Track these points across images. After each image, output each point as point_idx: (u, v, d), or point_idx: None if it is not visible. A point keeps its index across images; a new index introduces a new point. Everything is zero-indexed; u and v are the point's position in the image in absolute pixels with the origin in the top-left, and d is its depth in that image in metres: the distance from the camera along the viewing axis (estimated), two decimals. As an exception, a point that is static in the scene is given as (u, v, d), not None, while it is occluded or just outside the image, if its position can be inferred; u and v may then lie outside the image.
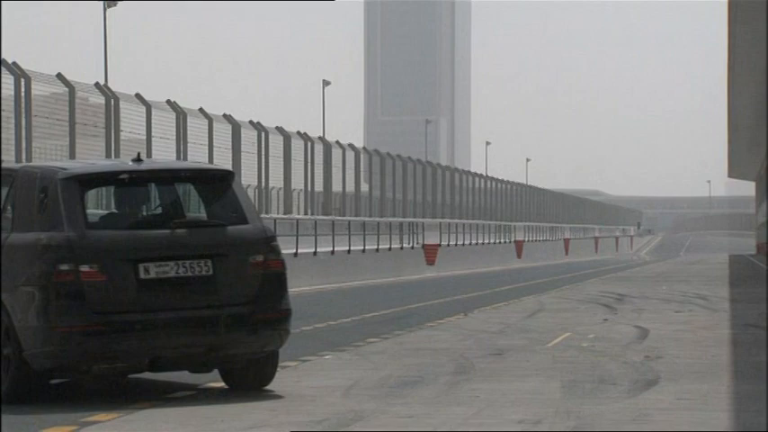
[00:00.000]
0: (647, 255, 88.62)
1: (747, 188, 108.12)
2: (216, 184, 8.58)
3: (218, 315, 8.19)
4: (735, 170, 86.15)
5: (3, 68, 22.71)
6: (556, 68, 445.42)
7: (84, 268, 7.91)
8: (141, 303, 8.01)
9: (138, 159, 8.68)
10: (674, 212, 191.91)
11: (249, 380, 8.61)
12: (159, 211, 8.57)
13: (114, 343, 7.96)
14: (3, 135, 23.45)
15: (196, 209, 8.66)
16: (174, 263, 8.11)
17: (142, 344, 8.04)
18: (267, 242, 8.50)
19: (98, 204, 8.90)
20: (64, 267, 7.89)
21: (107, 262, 7.97)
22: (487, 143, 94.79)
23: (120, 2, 37.98)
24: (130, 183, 8.45)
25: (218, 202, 8.48)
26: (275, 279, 8.44)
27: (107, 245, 8.04)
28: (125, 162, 8.89)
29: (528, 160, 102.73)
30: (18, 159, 23.27)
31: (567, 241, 73.65)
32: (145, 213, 8.54)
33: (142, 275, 8.03)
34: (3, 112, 23.10)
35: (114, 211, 8.61)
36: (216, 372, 8.84)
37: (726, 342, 12.57)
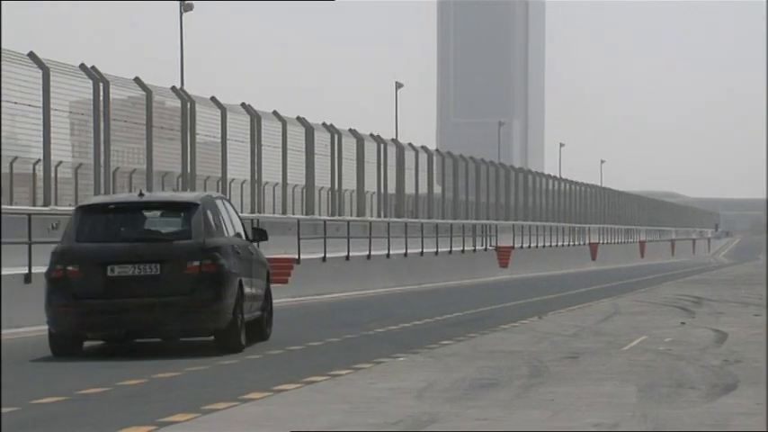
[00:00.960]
0: (725, 257, 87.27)
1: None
2: (182, 210, 12.36)
3: (160, 302, 11.91)
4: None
5: (82, 73, 23.07)
6: (630, 68, 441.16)
7: (61, 269, 11.95)
8: (109, 293, 11.94)
9: (141, 194, 12.66)
10: (753, 214, 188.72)
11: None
12: (124, 229, 12.27)
13: (91, 319, 11.92)
14: (81, 139, 23.84)
15: (167, 227, 12.43)
16: (131, 265, 11.96)
17: (112, 320, 11.94)
18: (204, 252, 12.02)
19: (107, 225, 12.32)
20: (57, 267, 12.00)
21: (85, 264, 11.93)
22: (561, 145, 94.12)
23: (196, 2, 38.37)
24: (117, 210, 12.43)
25: (179, 223, 12.28)
26: (209, 278, 11.98)
27: (85, 253, 11.96)
28: (132, 195, 13.11)
29: (602, 162, 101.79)
30: (97, 163, 23.63)
31: (642, 243, 72.80)
32: (120, 231, 12.24)
33: (109, 274, 11.95)
34: (81, 116, 23.48)
35: (99, 229, 12.32)
36: (292, 373, 9.60)
37: (807, 346, 12.30)
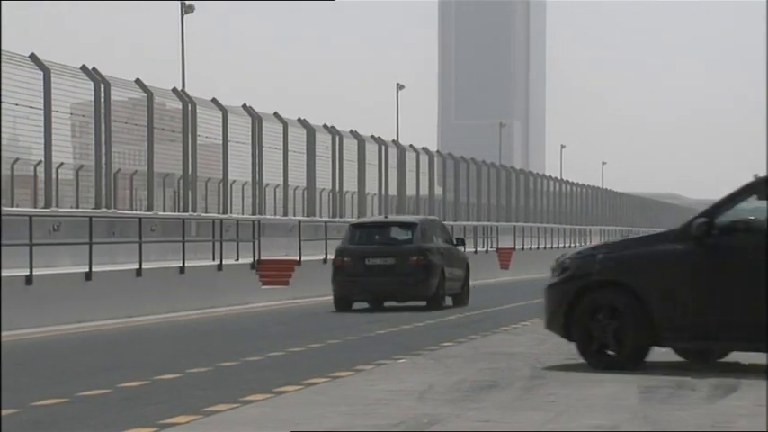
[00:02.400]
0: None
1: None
2: (408, 227, 21.03)
3: (396, 280, 20.26)
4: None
5: (83, 75, 23.08)
6: (631, 70, 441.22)
7: (340, 260, 20.66)
8: (367, 274, 20.44)
9: (386, 216, 22.91)
10: (753, 215, 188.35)
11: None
12: (377, 237, 21.04)
13: (357, 288, 20.49)
14: (82, 140, 23.84)
15: (400, 236, 21.03)
16: (379, 258, 20.43)
17: (368, 290, 20.47)
18: (419, 251, 20.45)
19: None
20: (338, 258, 20.74)
21: (353, 257, 20.54)
22: (562, 146, 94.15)
23: (197, 2, 38.38)
24: (372, 226, 21.64)
25: (407, 234, 20.87)
26: (422, 267, 20.36)
27: (354, 251, 20.53)
28: (380, 217, 24.14)
29: (604, 163, 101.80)
30: (98, 164, 23.63)
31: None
32: (374, 238, 20.96)
33: (367, 263, 20.44)
34: (82, 118, 23.48)
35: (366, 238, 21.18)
36: (293, 375, 9.78)
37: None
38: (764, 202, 9.96)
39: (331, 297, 20.84)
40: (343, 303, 20.46)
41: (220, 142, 28.41)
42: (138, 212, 24.68)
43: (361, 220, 24.84)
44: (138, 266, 20.46)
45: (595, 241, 59.97)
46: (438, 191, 43.08)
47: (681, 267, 9.95)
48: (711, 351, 10.55)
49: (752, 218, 9.98)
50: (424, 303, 20.44)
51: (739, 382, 9.34)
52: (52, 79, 21.76)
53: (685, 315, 9.88)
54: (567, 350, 12.02)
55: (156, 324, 17.95)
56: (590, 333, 10.24)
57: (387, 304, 20.77)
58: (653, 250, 10.14)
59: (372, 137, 36.82)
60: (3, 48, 20.47)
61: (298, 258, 26.99)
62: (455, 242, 22.20)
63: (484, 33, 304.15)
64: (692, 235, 9.91)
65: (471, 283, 22.51)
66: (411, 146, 40.13)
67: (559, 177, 60.57)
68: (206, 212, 27.82)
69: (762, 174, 10.27)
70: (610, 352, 10.21)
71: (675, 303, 9.90)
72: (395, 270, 20.27)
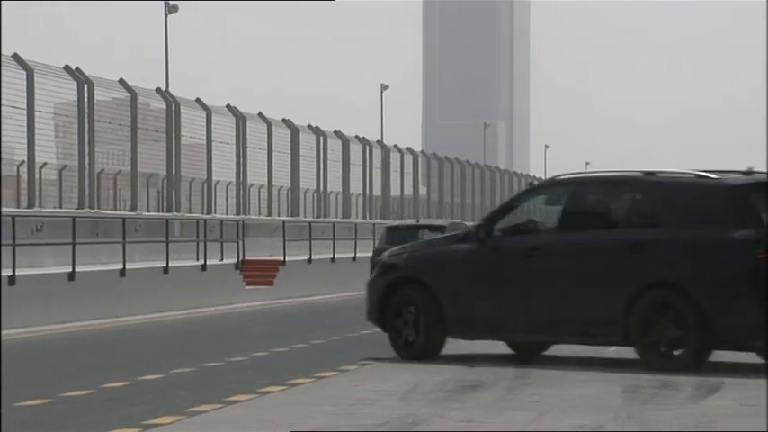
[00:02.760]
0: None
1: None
2: (437, 229, 23.41)
3: None
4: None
5: (66, 74, 23.02)
6: (615, 70, 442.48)
7: (378, 258, 13.33)
8: None
9: (417, 220, 26.35)
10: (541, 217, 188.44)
11: None
12: (409, 240, 17.49)
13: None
14: (66, 140, 23.78)
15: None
16: None
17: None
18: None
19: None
20: (375, 257, 18.91)
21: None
22: (546, 146, 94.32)
23: (181, 1, 38.29)
24: (419, 227, 24.94)
25: (438, 234, 20.03)
26: None
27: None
28: (412, 220, 26.90)
29: (587, 163, 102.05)
30: (81, 165, 23.57)
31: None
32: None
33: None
34: (66, 118, 23.42)
35: None
36: (277, 375, 9.92)
37: (790, 348, 12.33)
38: (553, 206, 10.97)
39: (318, 298, 20.88)
40: None
41: (204, 142, 28.37)
42: (122, 212, 24.62)
43: (396, 222, 28.28)
44: (121, 267, 20.40)
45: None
46: (422, 191, 43.10)
47: (465, 266, 10.97)
48: (539, 344, 11.29)
49: (539, 220, 10.95)
50: None
51: (722, 381, 9.38)
52: (35, 79, 21.68)
53: (470, 310, 10.88)
54: (552, 349, 12.04)
55: (139, 324, 17.90)
56: (396, 326, 11.23)
57: None
58: (445, 250, 11.19)
59: (357, 137, 36.82)
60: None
61: (282, 258, 26.96)
62: None
63: (468, 33, 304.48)
64: (474, 236, 10.96)
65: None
66: (395, 146, 40.14)
67: (544, 177, 60.74)
68: (190, 213, 27.77)
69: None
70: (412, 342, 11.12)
71: (460, 299, 10.91)
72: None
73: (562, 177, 11.01)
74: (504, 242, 10.80)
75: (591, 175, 11.11)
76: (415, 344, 11.07)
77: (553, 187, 11.11)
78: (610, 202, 10.54)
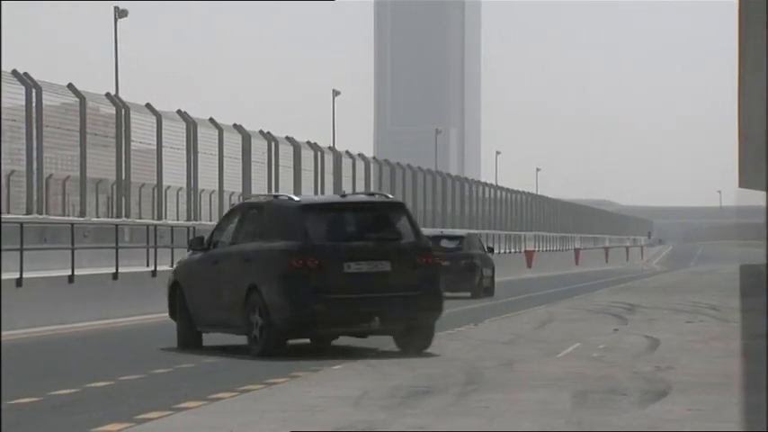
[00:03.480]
0: (658, 265, 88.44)
1: (758, 198, 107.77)
2: (459, 238, 27.74)
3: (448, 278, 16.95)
4: (745, 180, 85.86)
5: (14, 79, 22.76)
6: (566, 78, 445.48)
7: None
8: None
9: (441, 232, 27.41)
10: (685, 222, 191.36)
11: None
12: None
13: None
14: (14, 146, 23.50)
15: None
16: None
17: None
18: (467, 255, 24.56)
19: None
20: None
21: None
22: (497, 153, 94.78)
23: (131, 1, 37.97)
24: (432, 238, 20.10)
25: (458, 243, 26.57)
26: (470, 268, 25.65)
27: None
28: (437, 230, 29.45)
29: (538, 170, 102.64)
30: (29, 170, 23.31)
31: (577, 251, 73.49)
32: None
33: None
34: (14, 123, 23.15)
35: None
36: (227, 382, 9.91)
37: (737, 353, 12.52)
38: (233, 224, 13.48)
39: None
40: None
41: (155, 148, 28.18)
42: (71, 218, 24.39)
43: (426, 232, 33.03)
44: (70, 273, 20.20)
45: (530, 247, 60.50)
46: (374, 197, 43.00)
47: (195, 271, 14.08)
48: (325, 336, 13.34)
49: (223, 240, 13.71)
50: (469, 294, 26.74)
51: (669, 386, 9.47)
52: (-18, 83, 21.41)
53: (198, 306, 13.74)
54: (502, 355, 12.11)
55: (88, 331, 17.74)
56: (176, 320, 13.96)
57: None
58: (193, 257, 14.27)
59: (308, 143, 36.76)
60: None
61: (233, 264, 26.80)
62: (486, 250, 29.34)
63: (419, 39, 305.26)
64: (201, 247, 13.87)
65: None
66: (347, 152, 40.13)
67: (495, 183, 60.94)
68: (140, 218, 27.57)
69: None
70: None
71: (194, 298, 13.81)
72: (448, 269, 22.72)
73: (245, 202, 14.73)
74: (214, 252, 13.57)
75: (250, 201, 14.44)
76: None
77: (240, 210, 13.85)
78: (251, 221, 13.29)
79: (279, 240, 12.59)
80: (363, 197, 14.34)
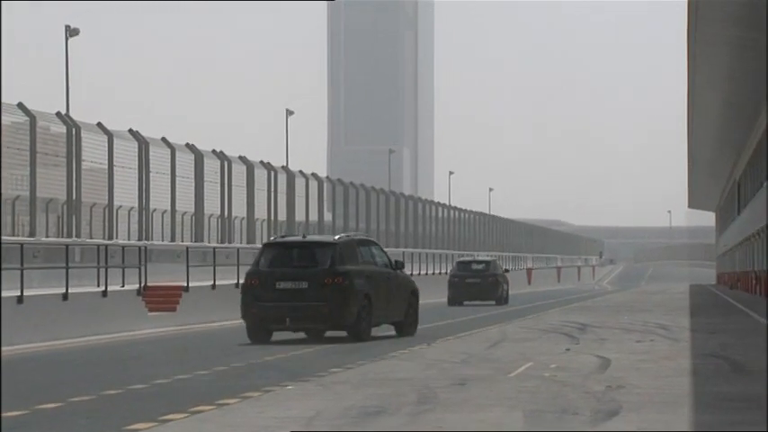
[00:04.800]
0: (609, 284, 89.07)
1: (707, 218, 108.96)
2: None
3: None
4: (695, 201, 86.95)
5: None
6: (517, 99, 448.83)
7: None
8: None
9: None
10: (636, 242, 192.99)
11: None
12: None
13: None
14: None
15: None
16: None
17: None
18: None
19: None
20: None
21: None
22: (450, 173, 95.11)
23: (86, 7, 37.71)
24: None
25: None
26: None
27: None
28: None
29: (491, 190, 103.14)
30: (-22, 188, 23.01)
31: (529, 271, 73.89)
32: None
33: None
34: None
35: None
36: (179, 403, 9.73)
37: (687, 372, 12.64)
38: None
39: (222, 323, 20.79)
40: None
41: (106, 167, 27.98)
42: (20, 238, 24.12)
43: (464, 258, 39.25)
44: (19, 293, 19.97)
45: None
46: (327, 216, 43.08)
47: None
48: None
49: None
50: (493, 302, 35.73)
51: (620, 406, 9.54)
52: (-69, 101, 21.16)
53: None
54: (454, 375, 12.14)
55: (38, 352, 17.53)
56: None
57: None
58: None
59: (261, 162, 36.68)
60: None
61: (185, 284, 26.67)
62: (504, 270, 36.75)
63: (373, 59, 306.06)
64: None
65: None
66: (300, 171, 40.09)
67: (448, 203, 61.15)
68: (90, 238, 27.34)
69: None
70: None
71: None
72: (479, 285, 35.95)
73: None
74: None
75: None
76: None
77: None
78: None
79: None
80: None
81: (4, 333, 18.85)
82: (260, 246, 35.81)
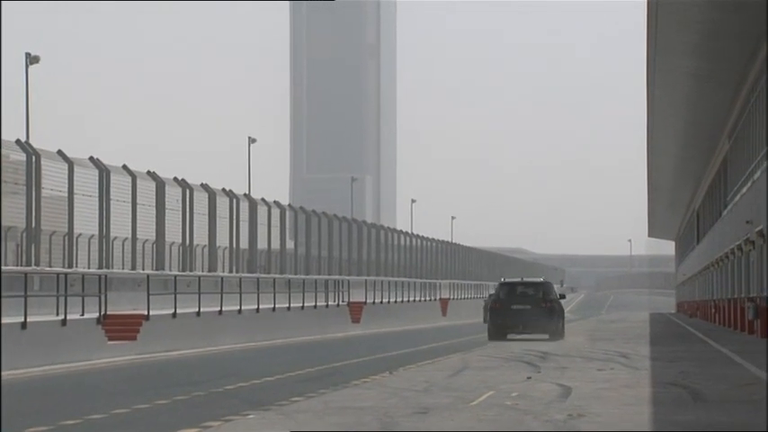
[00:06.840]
0: (570, 313, 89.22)
1: (667, 247, 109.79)
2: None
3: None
4: (654, 230, 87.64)
5: None
6: (479, 128, 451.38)
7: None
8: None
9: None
10: (597, 271, 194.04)
11: None
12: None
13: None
14: None
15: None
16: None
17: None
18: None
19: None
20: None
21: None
22: (413, 201, 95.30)
23: (47, 35, 37.59)
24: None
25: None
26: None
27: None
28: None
29: (453, 218, 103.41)
30: (-65, 216, 22.75)
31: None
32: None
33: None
34: None
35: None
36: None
37: (647, 401, 12.70)
38: None
39: (182, 352, 20.63)
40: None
41: (66, 195, 27.79)
42: (-21, 266, 23.86)
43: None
44: (-23, 322, 19.73)
45: (445, 295, 60.76)
46: (290, 244, 43.00)
47: None
48: None
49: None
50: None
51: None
52: None
53: None
54: (416, 403, 12.12)
55: (-5, 382, 17.28)
56: None
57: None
58: None
59: (223, 190, 36.59)
60: None
61: (146, 313, 26.49)
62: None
63: (336, 88, 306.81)
64: None
65: (321, 336, 23.13)
66: (263, 199, 40.01)
67: (410, 231, 61.23)
68: (50, 266, 27.10)
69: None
70: None
71: None
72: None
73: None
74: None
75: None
76: None
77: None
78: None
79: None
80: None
81: (-40, 362, 18.59)
82: (221, 274, 35.93)
